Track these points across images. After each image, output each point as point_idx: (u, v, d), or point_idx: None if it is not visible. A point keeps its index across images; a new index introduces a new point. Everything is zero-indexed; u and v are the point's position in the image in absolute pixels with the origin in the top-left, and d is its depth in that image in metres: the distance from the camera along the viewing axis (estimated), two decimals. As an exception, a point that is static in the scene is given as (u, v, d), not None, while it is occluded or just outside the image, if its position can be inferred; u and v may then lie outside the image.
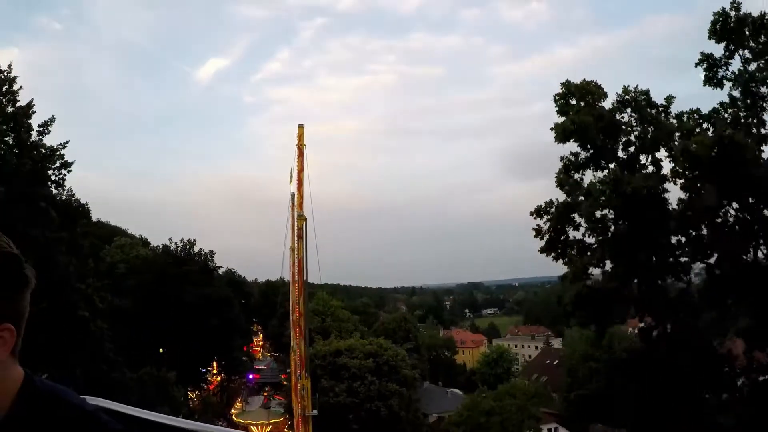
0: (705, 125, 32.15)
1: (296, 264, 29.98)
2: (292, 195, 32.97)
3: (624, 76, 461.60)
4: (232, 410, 55.30)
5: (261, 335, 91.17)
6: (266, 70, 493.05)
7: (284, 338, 50.63)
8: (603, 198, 32.24)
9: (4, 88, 27.45)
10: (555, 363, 76.62)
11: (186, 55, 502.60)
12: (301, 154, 30.88)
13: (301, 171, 30.95)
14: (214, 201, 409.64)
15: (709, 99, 36.70)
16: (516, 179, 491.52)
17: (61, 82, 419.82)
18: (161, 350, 50.88)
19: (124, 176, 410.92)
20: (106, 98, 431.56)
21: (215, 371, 58.60)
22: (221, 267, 75.98)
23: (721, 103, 31.56)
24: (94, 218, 70.41)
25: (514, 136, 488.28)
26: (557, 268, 36.14)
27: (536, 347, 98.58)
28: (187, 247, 54.25)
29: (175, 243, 58.26)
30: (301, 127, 31.90)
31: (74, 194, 64.63)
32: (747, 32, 30.20)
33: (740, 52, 30.73)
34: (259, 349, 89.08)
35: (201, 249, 55.83)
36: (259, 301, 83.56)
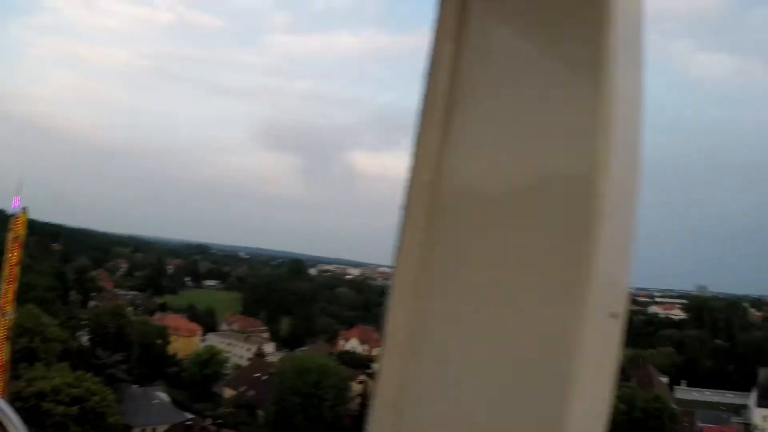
0: None
1: None
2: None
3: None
4: None
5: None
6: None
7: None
8: None
9: None
10: (264, 378, 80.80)
11: None
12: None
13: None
14: None
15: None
16: (266, 149, 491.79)
17: None
18: None
19: None
20: None
21: None
22: None
23: None
24: None
25: (276, 108, 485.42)
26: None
27: (248, 349, 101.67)
28: None
29: None
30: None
31: None
32: None
33: None
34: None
35: None
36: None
